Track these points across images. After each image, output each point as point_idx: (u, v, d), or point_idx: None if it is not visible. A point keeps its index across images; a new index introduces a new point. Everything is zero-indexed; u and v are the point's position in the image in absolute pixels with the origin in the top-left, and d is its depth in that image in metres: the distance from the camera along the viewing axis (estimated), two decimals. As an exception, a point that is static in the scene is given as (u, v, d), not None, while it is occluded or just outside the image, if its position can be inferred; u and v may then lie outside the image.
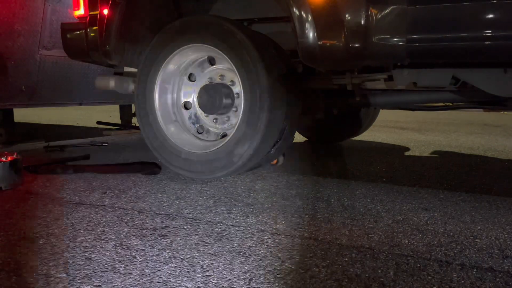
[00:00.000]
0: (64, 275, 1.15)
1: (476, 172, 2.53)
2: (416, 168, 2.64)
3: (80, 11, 2.53)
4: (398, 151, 3.33)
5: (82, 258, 1.25)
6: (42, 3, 3.18)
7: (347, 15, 1.77)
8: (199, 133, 2.34)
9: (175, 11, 2.60)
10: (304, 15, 1.85)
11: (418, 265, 1.23)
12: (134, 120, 4.08)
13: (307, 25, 1.84)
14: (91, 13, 2.47)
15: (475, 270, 1.21)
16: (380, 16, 1.74)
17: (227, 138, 2.08)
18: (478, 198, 1.94)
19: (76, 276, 1.14)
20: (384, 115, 4.42)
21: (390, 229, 1.52)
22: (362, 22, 1.76)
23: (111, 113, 4.97)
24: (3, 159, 2.01)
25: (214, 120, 2.31)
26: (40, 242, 1.37)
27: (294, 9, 1.87)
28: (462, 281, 1.14)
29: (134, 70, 2.49)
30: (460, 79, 1.91)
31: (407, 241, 1.41)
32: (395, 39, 1.74)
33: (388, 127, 4.83)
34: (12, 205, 1.77)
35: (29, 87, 3.21)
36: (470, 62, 1.78)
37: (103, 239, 1.39)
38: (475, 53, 1.66)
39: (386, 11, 1.74)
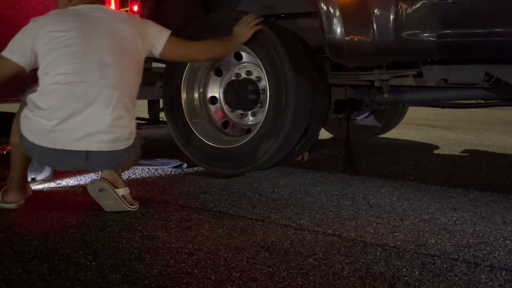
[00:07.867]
0: (93, 263, 1.19)
1: (509, 172, 2.45)
2: (445, 167, 2.58)
3: (111, 8, 2.60)
4: (426, 149, 3.25)
5: (110, 247, 1.29)
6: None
7: (375, 10, 1.74)
8: (225, 128, 2.36)
9: (203, 7, 2.63)
10: (332, 10, 1.83)
11: (445, 265, 1.21)
12: (162, 115, 4.15)
13: (335, 20, 1.82)
14: (121, 9, 2.53)
15: (504, 272, 1.17)
16: (410, 10, 1.71)
17: (252, 134, 2.09)
18: (510, 199, 1.88)
19: (105, 265, 1.18)
20: (413, 112, 4.32)
21: (416, 228, 1.49)
22: (391, 16, 1.72)
23: (139, 108, 5.08)
24: (37, 151, 2.08)
25: (240, 116, 2.32)
26: (71, 231, 1.42)
27: (322, 4, 1.86)
28: (491, 283, 1.11)
29: (162, 65, 2.53)
30: (494, 76, 1.85)
31: (433, 241, 1.38)
32: (426, 35, 1.69)
33: (417, 125, 4.72)
34: (45, 195, 1.85)
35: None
36: (505, 58, 1.73)
37: (130, 230, 1.43)
38: (511, 48, 1.60)
39: (417, 5, 1.70)
